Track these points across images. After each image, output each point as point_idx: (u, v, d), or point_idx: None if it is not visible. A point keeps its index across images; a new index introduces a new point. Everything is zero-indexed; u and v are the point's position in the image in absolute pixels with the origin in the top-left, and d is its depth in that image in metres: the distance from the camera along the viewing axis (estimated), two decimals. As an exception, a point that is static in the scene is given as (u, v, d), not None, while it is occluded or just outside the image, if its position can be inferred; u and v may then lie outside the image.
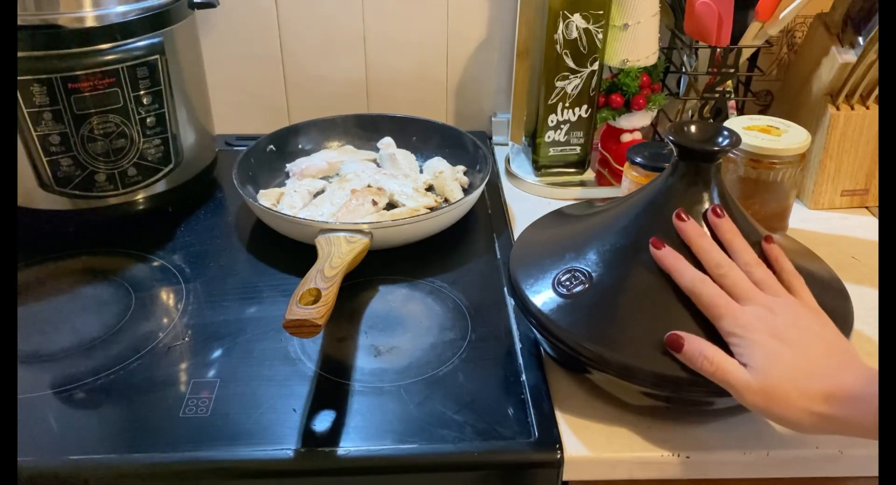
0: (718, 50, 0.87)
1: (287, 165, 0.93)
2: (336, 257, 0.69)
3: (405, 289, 0.75)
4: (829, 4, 0.90)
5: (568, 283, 0.58)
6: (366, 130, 0.98)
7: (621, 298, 0.56)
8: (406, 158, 0.94)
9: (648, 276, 0.56)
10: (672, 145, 0.58)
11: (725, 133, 0.58)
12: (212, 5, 0.86)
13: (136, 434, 0.57)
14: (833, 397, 0.46)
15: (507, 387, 0.62)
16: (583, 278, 0.58)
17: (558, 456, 0.56)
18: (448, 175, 0.88)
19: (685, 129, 0.59)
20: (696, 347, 0.51)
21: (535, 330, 0.61)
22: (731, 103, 0.93)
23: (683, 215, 0.57)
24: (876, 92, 0.86)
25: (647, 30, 0.85)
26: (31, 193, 0.77)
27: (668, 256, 0.56)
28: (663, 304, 0.55)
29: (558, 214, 0.71)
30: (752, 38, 0.86)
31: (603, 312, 0.56)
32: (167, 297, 0.73)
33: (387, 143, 0.95)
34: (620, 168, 0.89)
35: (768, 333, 0.50)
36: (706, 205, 0.58)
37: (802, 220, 0.87)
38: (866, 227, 0.87)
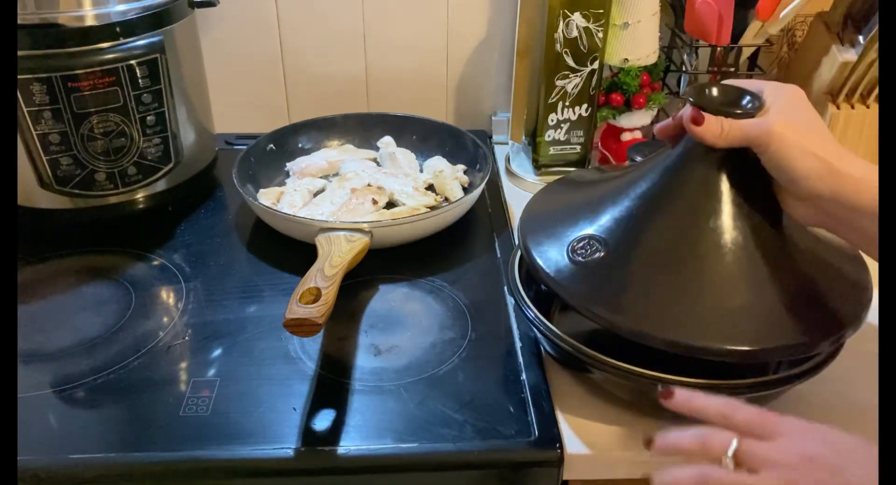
0: (719, 49, 0.87)
1: (287, 163, 0.93)
2: (336, 256, 0.69)
3: (405, 288, 0.75)
4: (830, 3, 0.90)
5: (583, 250, 0.57)
6: (366, 128, 0.98)
7: (638, 267, 0.55)
8: (406, 156, 0.93)
9: (666, 243, 0.55)
10: (691, 107, 0.56)
11: (748, 97, 0.55)
12: (212, 4, 0.86)
13: (136, 433, 0.57)
14: None
15: (507, 386, 0.62)
16: (599, 246, 0.57)
17: (558, 455, 0.56)
18: (448, 174, 0.88)
19: (706, 91, 0.56)
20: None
21: (534, 329, 0.61)
22: (732, 102, 0.93)
23: (667, 394, 0.49)
24: (876, 91, 0.86)
25: (647, 28, 0.85)
26: (31, 192, 0.77)
27: (686, 400, 0.49)
28: (681, 273, 0.54)
29: (567, 182, 0.69)
30: (752, 36, 0.86)
31: (621, 280, 0.55)
32: (167, 296, 0.73)
33: (387, 142, 0.95)
34: (620, 167, 0.89)
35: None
36: (723, 171, 0.56)
37: (803, 219, 0.87)
38: (866, 226, 0.86)
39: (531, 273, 0.60)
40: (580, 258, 0.57)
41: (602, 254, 0.57)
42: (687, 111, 0.54)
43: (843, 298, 0.56)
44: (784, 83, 0.54)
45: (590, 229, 0.59)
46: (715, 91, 0.56)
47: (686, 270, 0.54)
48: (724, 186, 0.56)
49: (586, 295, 0.55)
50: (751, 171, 0.55)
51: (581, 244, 0.58)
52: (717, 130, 0.53)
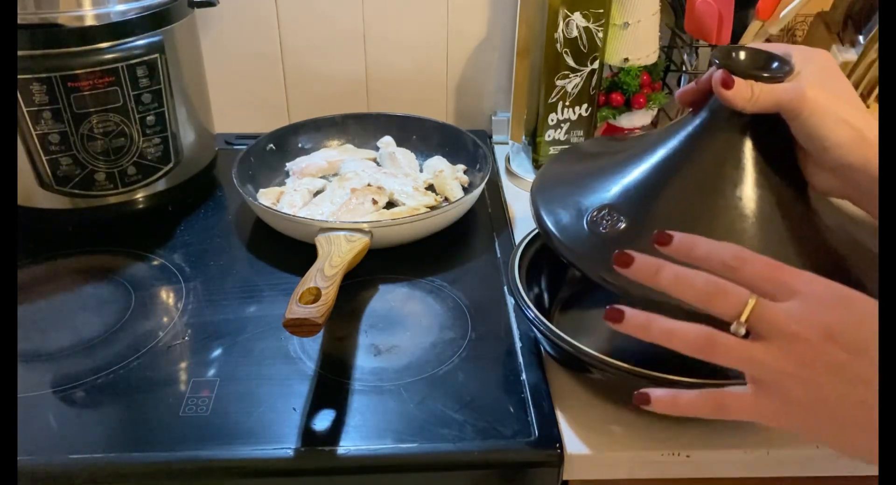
0: (719, 49, 0.87)
1: (287, 163, 0.93)
2: (336, 256, 0.69)
3: (405, 288, 0.75)
4: (830, 3, 0.89)
5: (604, 221, 0.55)
6: (366, 128, 0.98)
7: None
8: (406, 156, 0.93)
9: (689, 212, 0.54)
10: (720, 70, 0.54)
11: (777, 61, 0.53)
12: (211, 4, 0.86)
13: (136, 433, 0.57)
14: None
15: (507, 386, 0.62)
16: (621, 217, 0.55)
17: (558, 455, 0.56)
18: (448, 174, 0.88)
19: (733, 54, 0.54)
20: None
21: (534, 329, 0.61)
22: (732, 102, 0.93)
23: (666, 239, 0.45)
24: (876, 91, 0.86)
25: (647, 28, 0.85)
26: (30, 192, 0.77)
27: (687, 248, 0.43)
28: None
29: (579, 150, 0.67)
30: (752, 36, 0.86)
31: (645, 251, 0.53)
32: (167, 296, 0.73)
33: (387, 141, 0.95)
34: (620, 167, 0.89)
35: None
36: (748, 138, 0.54)
37: (803, 219, 0.87)
38: (866, 226, 0.86)
39: (547, 245, 0.58)
40: (602, 229, 0.55)
41: (624, 225, 0.55)
42: (716, 74, 0.52)
43: (867, 274, 0.54)
44: (812, 48, 0.53)
45: (608, 199, 0.57)
46: (742, 54, 0.54)
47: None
48: (750, 153, 0.54)
49: (609, 267, 0.52)
50: (776, 138, 0.53)
51: (601, 214, 0.56)
52: (748, 93, 0.51)
